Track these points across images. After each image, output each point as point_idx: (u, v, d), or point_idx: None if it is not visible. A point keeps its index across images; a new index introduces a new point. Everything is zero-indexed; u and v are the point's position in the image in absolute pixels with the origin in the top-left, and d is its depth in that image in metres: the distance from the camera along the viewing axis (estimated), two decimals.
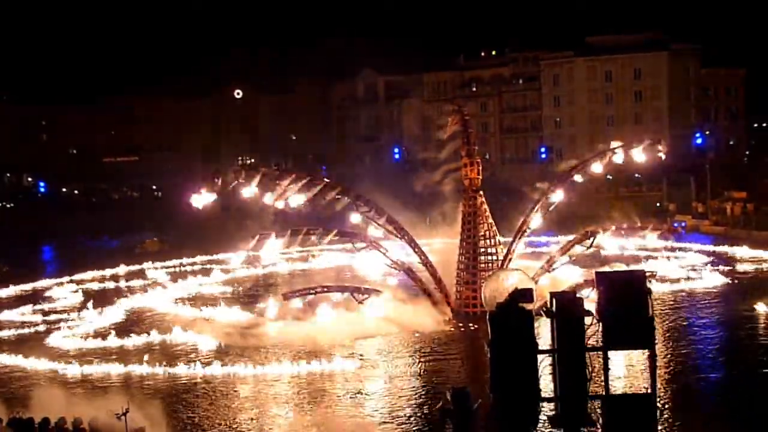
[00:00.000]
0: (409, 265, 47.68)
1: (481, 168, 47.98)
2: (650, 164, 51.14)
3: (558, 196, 47.83)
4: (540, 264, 47.92)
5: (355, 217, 47.19)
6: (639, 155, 48.25)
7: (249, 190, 44.98)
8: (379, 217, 46.99)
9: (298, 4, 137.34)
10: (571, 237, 49.06)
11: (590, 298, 18.01)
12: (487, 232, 47.25)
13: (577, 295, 16.60)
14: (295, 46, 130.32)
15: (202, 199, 45.20)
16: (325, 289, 47.25)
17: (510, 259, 47.30)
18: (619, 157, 47.96)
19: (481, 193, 47.63)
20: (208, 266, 68.77)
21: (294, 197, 45.23)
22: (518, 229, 47.90)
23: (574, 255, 48.32)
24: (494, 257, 47.03)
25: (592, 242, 46.72)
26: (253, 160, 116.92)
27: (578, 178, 48.48)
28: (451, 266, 48.03)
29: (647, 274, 17.40)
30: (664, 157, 49.46)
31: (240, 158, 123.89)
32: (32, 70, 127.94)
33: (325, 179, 48.66)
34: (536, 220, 48.14)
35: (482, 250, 47.14)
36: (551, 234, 61.81)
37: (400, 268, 47.36)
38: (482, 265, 46.78)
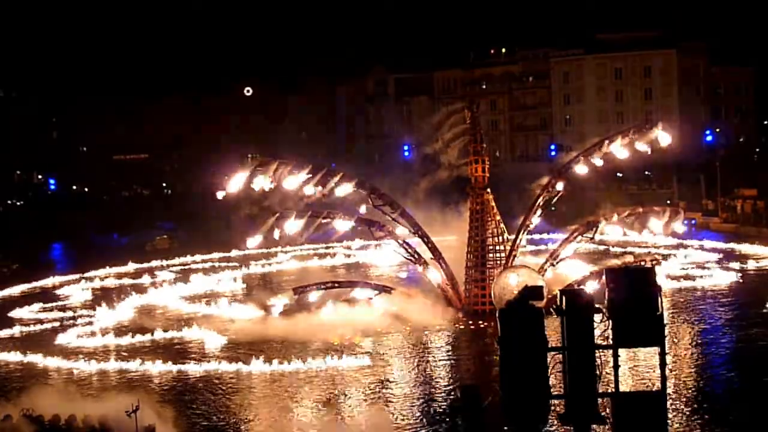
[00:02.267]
0: (425, 259, 47.65)
1: (488, 165, 47.94)
2: (658, 153, 50.68)
3: (558, 188, 47.60)
4: (549, 261, 47.84)
5: (363, 209, 47.26)
6: (640, 144, 47.88)
7: (264, 181, 45.31)
8: (394, 211, 47.08)
9: (310, 1, 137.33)
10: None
11: (595, 291, 17.96)
12: (495, 230, 47.22)
13: (583, 288, 16.57)
14: (306, 43, 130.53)
15: (231, 187, 45.71)
16: (336, 285, 47.46)
17: (514, 256, 47.26)
18: (617, 146, 47.58)
19: (489, 190, 47.60)
20: (218, 263, 68.88)
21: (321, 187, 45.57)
22: (521, 225, 47.79)
23: (578, 246, 48.25)
24: (502, 254, 47.00)
25: (595, 232, 46.60)
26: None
27: (580, 169, 48.15)
28: (459, 263, 48.06)
29: (651, 261, 17.42)
30: (666, 140, 48.73)
31: (249, 156, 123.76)
32: (43, 68, 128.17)
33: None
34: (539, 215, 47.98)
35: (490, 247, 47.12)
36: (560, 232, 61.75)
37: (417, 262, 47.36)
38: (491, 263, 46.76)
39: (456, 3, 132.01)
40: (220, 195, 46.28)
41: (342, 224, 46.42)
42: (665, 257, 59.71)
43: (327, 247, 72.30)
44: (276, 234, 45.34)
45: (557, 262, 47.35)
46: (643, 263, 46.50)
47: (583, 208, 54.82)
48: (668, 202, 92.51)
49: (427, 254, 47.73)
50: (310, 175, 46.11)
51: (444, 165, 56.20)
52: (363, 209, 47.78)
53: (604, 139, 48.26)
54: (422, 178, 58.73)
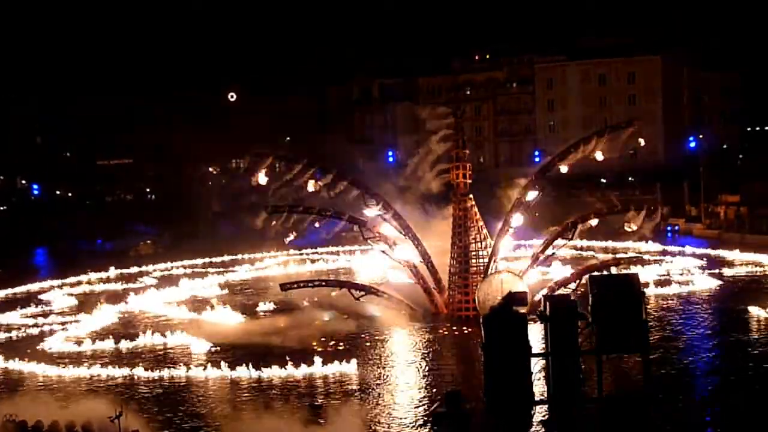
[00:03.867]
0: (414, 263, 47.57)
1: (470, 172, 47.90)
2: (642, 158, 50.83)
3: (535, 192, 47.57)
4: (531, 265, 47.78)
5: (369, 212, 47.21)
6: (615, 143, 47.87)
7: (260, 177, 45.51)
8: (386, 212, 47.03)
9: (294, 7, 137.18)
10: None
11: (576, 291, 17.93)
12: (478, 236, 47.22)
13: (563, 289, 16.60)
14: (290, 48, 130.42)
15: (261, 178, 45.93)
16: (323, 283, 47.60)
17: (495, 261, 47.21)
18: (592, 146, 47.52)
19: (471, 196, 47.58)
20: (202, 269, 68.82)
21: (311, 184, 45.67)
22: (500, 230, 47.70)
23: (559, 249, 48.26)
24: (486, 260, 46.99)
25: (575, 233, 46.50)
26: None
27: (562, 168, 48.23)
28: (442, 270, 48.10)
29: (631, 260, 17.48)
30: (642, 142, 48.74)
31: (234, 161, 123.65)
32: (25, 73, 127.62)
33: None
34: (517, 218, 47.81)
35: (473, 253, 47.10)
36: (542, 237, 61.82)
37: (405, 265, 47.31)
38: (474, 269, 46.76)
39: (440, 9, 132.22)
40: (260, 180, 46.40)
41: (332, 223, 46.49)
42: (648, 263, 59.89)
43: (312, 252, 72.47)
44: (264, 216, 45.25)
45: (537, 265, 47.44)
46: (622, 263, 46.62)
47: (566, 213, 54.69)
48: (651, 208, 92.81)
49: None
50: (304, 170, 46.26)
51: (423, 172, 56.13)
52: (368, 212, 47.50)
53: (580, 141, 48.34)
54: (403, 184, 58.68)
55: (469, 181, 47.68)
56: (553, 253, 48.43)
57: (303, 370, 36.31)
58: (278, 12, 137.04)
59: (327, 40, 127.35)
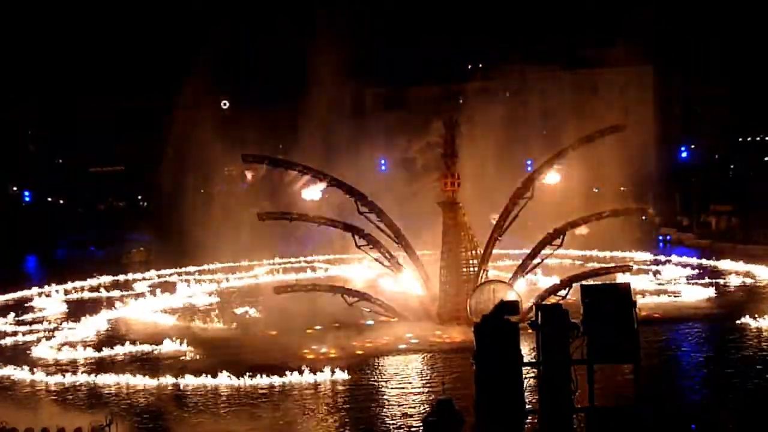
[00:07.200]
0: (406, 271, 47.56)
1: (459, 180, 47.90)
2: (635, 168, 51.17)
3: (524, 199, 47.74)
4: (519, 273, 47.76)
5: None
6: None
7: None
8: (380, 219, 46.94)
9: (284, 14, 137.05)
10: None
11: (567, 299, 17.92)
12: (468, 245, 47.15)
13: (554, 297, 16.63)
14: (280, 56, 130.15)
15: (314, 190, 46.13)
16: (316, 288, 47.60)
17: (486, 270, 47.17)
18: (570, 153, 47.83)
19: (461, 205, 47.53)
20: (194, 276, 68.73)
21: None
22: (490, 238, 47.61)
23: (547, 256, 48.32)
24: (476, 269, 46.92)
25: (562, 241, 46.44)
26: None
27: (550, 178, 48.57)
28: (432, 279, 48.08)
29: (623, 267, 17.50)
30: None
31: (226, 169, 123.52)
32: (17, 79, 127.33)
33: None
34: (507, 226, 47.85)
35: (464, 262, 47.03)
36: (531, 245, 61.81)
37: (398, 271, 47.26)
38: (464, 278, 46.67)
39: (432, 18, 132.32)
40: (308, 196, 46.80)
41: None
42: (639, 272, 59.94)
43: (304, 261, 72.41)
44: None
45: (526, 273, 47.46)
46: (612, 271, 46.62)
47: (557, 222, 54.80)
48: (644, 218, 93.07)
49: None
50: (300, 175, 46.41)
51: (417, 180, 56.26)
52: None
53: (567, 147, 48.52)
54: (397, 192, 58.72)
55: (458, 189, 47.63)
56: (542, 261, 48.58)
57: (294, 379, 36.26)
58: (271, 17, 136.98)
59: (319, 49, 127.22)
